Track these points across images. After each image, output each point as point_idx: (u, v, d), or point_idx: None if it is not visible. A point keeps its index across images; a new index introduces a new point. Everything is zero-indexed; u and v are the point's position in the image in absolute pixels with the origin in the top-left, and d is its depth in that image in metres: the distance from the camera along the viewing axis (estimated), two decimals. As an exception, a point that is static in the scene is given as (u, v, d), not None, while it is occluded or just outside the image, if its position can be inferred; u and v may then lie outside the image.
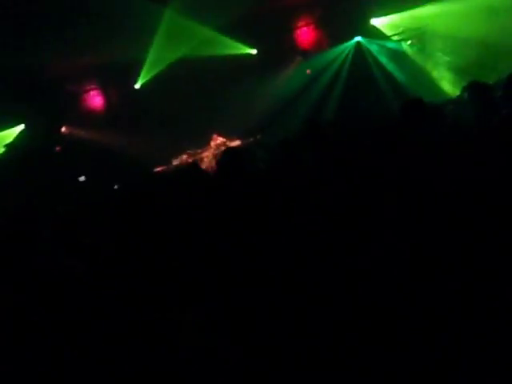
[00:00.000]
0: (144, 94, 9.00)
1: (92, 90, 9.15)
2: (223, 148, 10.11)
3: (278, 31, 9.51)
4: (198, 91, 9.55)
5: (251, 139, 10.02)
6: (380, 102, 10.06)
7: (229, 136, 10.26)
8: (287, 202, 2.85)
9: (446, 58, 10.08)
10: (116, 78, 8.98)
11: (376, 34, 10.22)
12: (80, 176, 9.37)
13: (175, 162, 9.88)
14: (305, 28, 9.52)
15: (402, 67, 10.68)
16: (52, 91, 8.46)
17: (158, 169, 9.71)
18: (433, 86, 10.27)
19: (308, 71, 10.70)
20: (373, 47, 10.75)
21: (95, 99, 9.12)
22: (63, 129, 9.35)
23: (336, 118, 10.11)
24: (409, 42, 10.41)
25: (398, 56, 10.63)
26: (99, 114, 9.27)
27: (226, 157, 3.62)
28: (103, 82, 9.16)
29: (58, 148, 9.15)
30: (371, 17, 9.21)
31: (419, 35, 10.35)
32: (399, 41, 10.50)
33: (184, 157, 9.94)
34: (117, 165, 8.80)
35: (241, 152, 4.19)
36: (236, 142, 10.17)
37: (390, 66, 10.82)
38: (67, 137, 9.28)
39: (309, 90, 10.70)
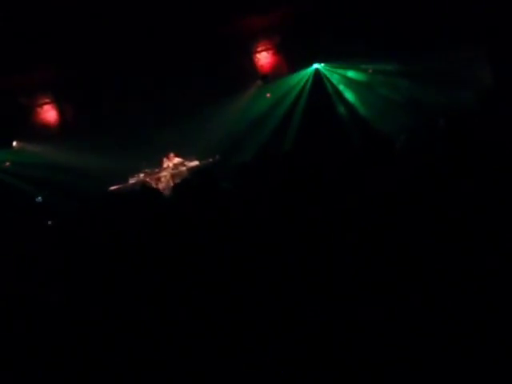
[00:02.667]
0: (101, 111, 8.86)
1: (46, 103, 8.91)
2: (181, 168, 10.10)
3: (237, 55, 9.64)
4: (155, 110, 9.51)
5: (210, 160, 10.01)
6: (339, 131, 10.28)
7: (186, 156, 10.23)
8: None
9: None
10: (72, 93, 8.81)
11: (336, 61, 10.49)
12: (37, 196, 9.04)
13: (132, 181, 9.74)
14: (264, 53, 9.69)
15: (362, 97, 10.96)
16: (3, 104, 8.19)
17: (114, 187, 9.53)
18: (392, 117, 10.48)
19: (268, 95, 10.86)
20: (332, 75, 11.02)
21: (49, 114, 8.88)
22: (14, 143, 9.05)
23: (293, 147, 10.26)
24: None
25: (357, 85, 10.92)
26: (53, 130, 9.03)
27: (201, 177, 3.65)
28: (58, 96, 8.96)
29: (7, 164, 8.84)
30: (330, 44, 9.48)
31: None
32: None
33: (141, 176, 9.81)
34: (71, 182, 8.57)
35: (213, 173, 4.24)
36: (194, 163, 10.13)
37: (348, 95, 11.09)
38: (19, 152, 8.99)
39: (268, 115, 10.85)
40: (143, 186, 9.58)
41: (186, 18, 8.18)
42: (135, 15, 7.59)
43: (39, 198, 9.09)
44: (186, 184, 3.77)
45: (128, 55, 8.53)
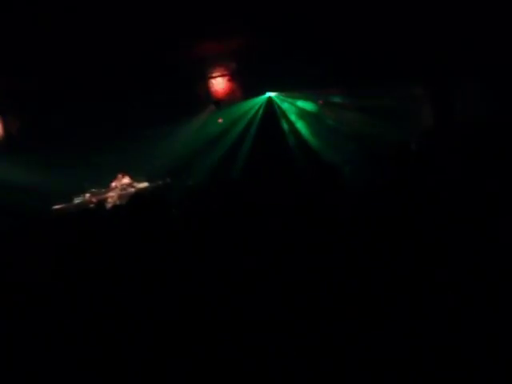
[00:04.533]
0: (47, 126, 8.58)
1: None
2: (129, 189, 9.90)
3: (192, 80, 9.67)
4: (106, 131, 9.31)
5: (160, 182, 9.90)
6: (287, 160, 10.46)
7: (135, 178, 10.06)
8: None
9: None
10: (17, 106, 8.46)
11: (290, 90, 10.72)
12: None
13: (77, 201, 9.43)
14: (219, 78, 9.78)
15: (312, 127, 11.24)
16: None
17: (58, 206, 9.18)
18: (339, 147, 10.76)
19: (220, 120, 10.94)
20: (284, 104, 11.27)
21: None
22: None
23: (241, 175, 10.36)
24: None
25: (308, 115, 11.21)
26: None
27: (136, 200, 3.53)
28: (3, 108, 8.58)
29: None
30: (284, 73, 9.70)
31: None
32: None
33: (87, 196, 9.52)
34: (11, 199, 8.17)
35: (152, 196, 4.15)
36: (143, 184, 9.98)
37: (299, 125, 11.35)
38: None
39: (219, 140, 10.92)
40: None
41: (140, 41, 8.12)
42: (89, 34, 7.44)
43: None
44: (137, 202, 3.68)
45: (78, 73, 8.32)
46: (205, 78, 9.74)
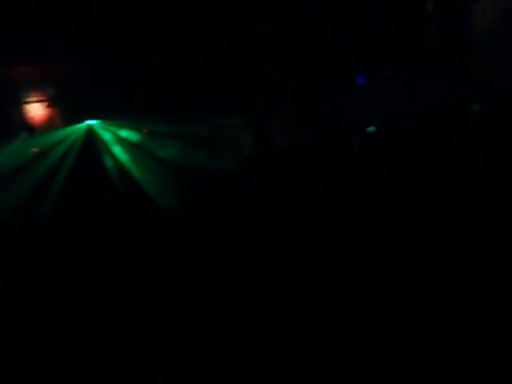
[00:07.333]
0: None
1: None
2: None
3: (3, 105, 8.83)
4: None
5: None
6: (107, 195, 10.18)
7: None
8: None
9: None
10: None
11: (111, 119, 10.47)
12: None
13: None
14: (36, 104, 9.09)
15: (134, 156, 11.10)
16: None
17: None
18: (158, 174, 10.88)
19: (35, 150, 10.11)
20: (105, 133, 10.91)
21: None
22: None
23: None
24: None
25: (131, 145, 11.06)
26: None
27: None
28: None
29: None
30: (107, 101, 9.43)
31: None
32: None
33: None
34: None
35: None
36: None
37: (121, 155, 11.11)
38: None
39: (31, 170, 10.08)
40: None
41: None
42: None
43: None
44: None
45: None
46: (18, 103, 8.95)
